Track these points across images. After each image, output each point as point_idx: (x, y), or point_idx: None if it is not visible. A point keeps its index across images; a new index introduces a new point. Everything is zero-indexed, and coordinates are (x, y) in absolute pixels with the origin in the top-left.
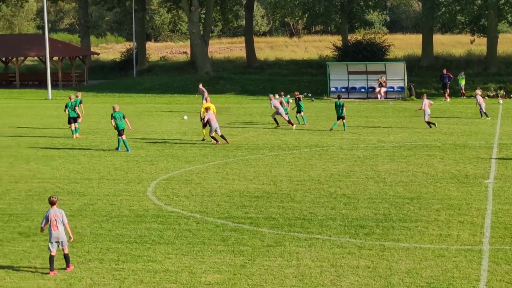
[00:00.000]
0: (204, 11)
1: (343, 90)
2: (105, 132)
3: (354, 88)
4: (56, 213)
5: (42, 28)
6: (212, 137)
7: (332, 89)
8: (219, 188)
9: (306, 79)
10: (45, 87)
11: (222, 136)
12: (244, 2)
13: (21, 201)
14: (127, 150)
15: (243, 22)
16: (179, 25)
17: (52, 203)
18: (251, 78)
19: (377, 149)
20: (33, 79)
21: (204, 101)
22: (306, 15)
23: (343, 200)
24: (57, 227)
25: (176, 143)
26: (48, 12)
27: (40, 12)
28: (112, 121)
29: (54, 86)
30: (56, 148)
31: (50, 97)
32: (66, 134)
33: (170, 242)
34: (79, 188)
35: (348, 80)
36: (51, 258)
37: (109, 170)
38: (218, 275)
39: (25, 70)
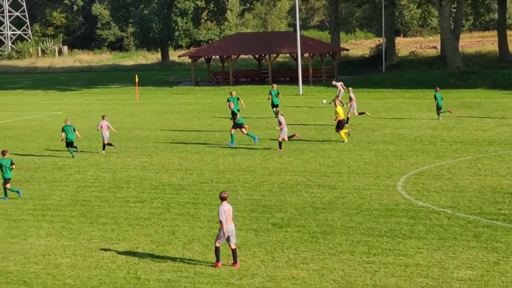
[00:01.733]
0: (455, 6)
1: None
2: (355, 127)
3: None
4: (229, 207)
5: (294, 25)
6: (280, 142)
7: None
8: (470, 184)
9: None
10: (296, 83)
11: (287, 137)
12: None
13: (274, 193)
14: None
15: (495, 15)
16: (429, 20)
17: (223, 199)
18: (504, 72)
19: None
20: (284, 76)
21: (338, 101)
22: None
23: None
24: (230, 221)
25: (425, 138)
26: (300, 10)
27: (291, 10)
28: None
29: (305, 82)
30: (307, 141)
31: (301, 93)
32: (317, 127)
33: (420, 236)
34: (330, 181)
35: None
36: (217, 250)
37: (359, 164)
38: (470, 271)
39: (277, 67)
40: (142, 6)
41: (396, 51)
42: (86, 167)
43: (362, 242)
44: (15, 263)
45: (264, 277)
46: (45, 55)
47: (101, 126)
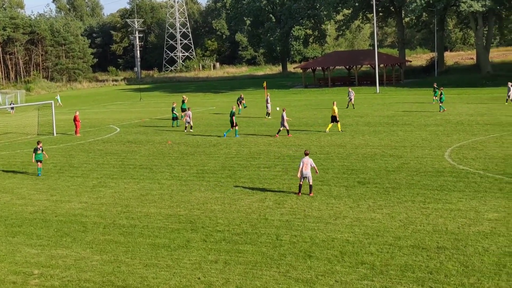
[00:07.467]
0: (486, 29)
1: None
2: (414, 114)
3: None
4: (308, 160)
5: (373, 45)
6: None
7: None
8: (496, 153)
9: None
10: (375, 85)
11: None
12: None
13: (359, 160)
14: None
15: None
16: (468, 39)
17: (306, 154)
18: None
19: None
20: (366, 80)
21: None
22: None
23: None
24: (306, 168)
25: (465, 121)
26: (377, 34)
27: (371, 35)
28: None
29: (380, 84)
30: (380, 124)
31: (378, 92)
32: (388, 115)
33: (461, 190)
34: (397, 152)
35: None
36: (300, 186)
37: (418, 140)
38: (496, 214)
39: (361, 74)
40: (269, 34)
41: (444, 62)
42: (231, 144)
43: (420, 194)
44: (184, 209)
45: (352, 218)
46: (204, 69)
47: (186, 114)
